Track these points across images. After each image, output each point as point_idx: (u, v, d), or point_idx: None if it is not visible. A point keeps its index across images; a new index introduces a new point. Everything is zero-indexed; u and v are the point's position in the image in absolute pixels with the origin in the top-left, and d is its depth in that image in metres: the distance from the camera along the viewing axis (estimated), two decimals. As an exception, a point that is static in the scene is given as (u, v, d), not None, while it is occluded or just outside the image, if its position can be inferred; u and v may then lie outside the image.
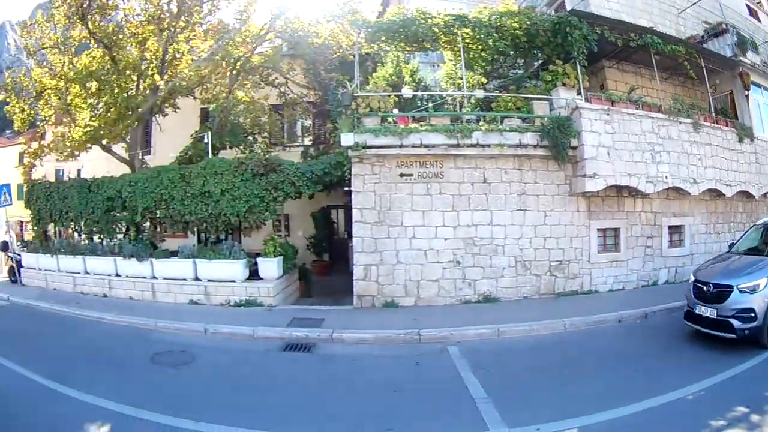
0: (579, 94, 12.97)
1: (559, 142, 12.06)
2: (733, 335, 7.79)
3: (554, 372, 7.55)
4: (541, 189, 12.65)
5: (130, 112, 16.59)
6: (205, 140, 15.31)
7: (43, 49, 19.23)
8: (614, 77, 16.35)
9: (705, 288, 8.37)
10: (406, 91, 14.58)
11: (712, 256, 11.65)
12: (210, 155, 14.75)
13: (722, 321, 7.92)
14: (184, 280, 13.06)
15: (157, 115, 17.95)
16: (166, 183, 13.58)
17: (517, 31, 13.68)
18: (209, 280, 12.85)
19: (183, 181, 13.46)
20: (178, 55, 17.16)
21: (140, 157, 17.72)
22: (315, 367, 8.34)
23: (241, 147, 17.15)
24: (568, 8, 14.82)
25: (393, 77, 16.44)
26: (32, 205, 17.42)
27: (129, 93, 16.50)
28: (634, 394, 6.26)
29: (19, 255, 17.90)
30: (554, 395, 6.54)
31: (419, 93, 15.97)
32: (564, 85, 12.87)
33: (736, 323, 7.74)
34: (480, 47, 14.25)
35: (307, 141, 20.84)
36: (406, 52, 16.40)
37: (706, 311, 8.21)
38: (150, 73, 16.82)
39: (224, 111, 16.68)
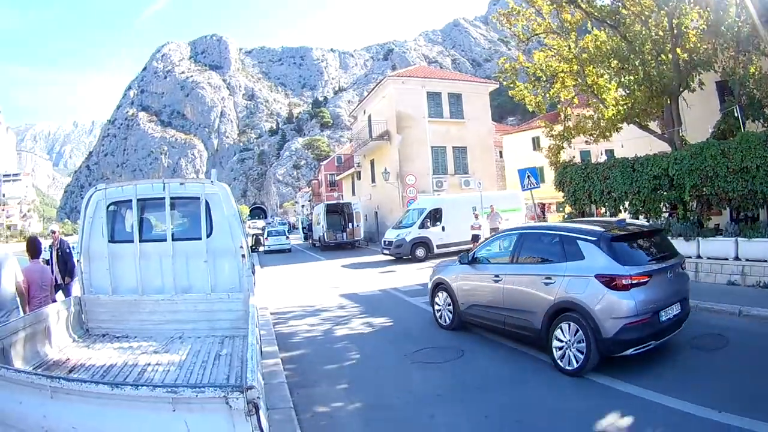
0: None
1: None
2: None
3: None
4: None
5: (659, 89, 17.11)
6: (736, 114, 15.36)
7: (536, 35, 20.82)
8: None
9: None
10: None
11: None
12: (743, 129, 14.61)
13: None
14: (725, 259, 13.31)
15: (683, 91, 17.75)
16: (709, 160, 13.82)
17: None
18: (747, 260, 12.92)
19: (724, 157, 13.56)
20: (684, 29, 16.86)
21: (680, 134, 17.81)
22: None
23: (761, 120, 16.23)
24: None
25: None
26: (565, 187, 18.70)
27: (658, 70, 16.96)
28: None
29: None
30: None
31: None
32: None
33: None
34: None
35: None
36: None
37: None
38: (666, 48, 17.11)
39: (742, 83, 16.01)
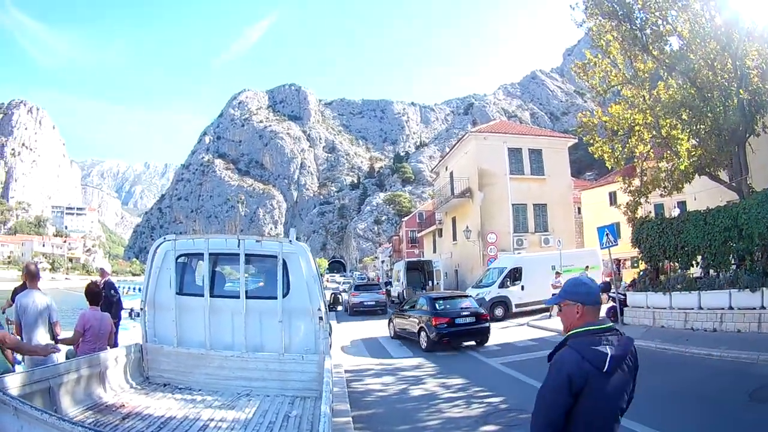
0: None
1: None
2: None
3: None
4: None
5: (727, 137, 17.92)
6: None
7: (612, 86, 21.74)
8: None
9: None
10: None
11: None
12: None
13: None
14: (788, 309, 13.69)
15: (749, 137, 18.33)
16: (773, 207, 14.27)
17: None
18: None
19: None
20: (747, 71, 17.53)
21: (747, 182, 17.91)
22: None
23: None
24: None
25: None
26: (642, 244, 19.18)
27: (725, 116, 17.66)
28: None
29: (624, 294, 19.70)
30: None
31: None
32: None
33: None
34: None
35: None
36: None
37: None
38: (732, 92, 17.64)
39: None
